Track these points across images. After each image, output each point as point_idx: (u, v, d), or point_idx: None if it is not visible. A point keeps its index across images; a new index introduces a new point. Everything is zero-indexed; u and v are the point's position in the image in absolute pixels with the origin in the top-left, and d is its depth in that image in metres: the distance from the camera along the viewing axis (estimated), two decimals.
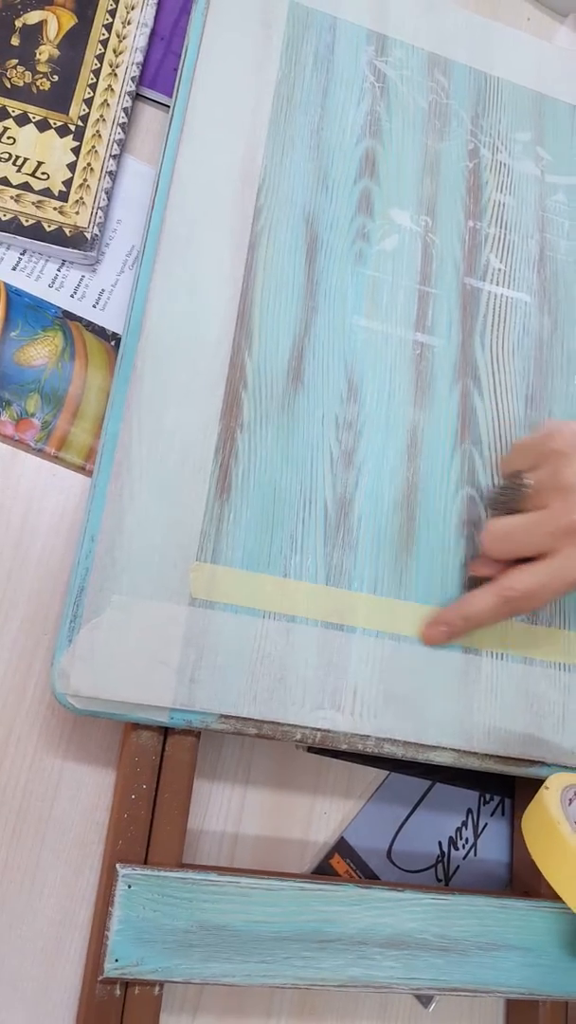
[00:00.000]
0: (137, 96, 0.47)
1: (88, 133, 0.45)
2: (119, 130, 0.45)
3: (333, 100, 0.45)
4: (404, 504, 0.40)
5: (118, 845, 0.34)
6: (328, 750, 0.39)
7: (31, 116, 0.44)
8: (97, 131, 0.45)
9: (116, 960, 0.32)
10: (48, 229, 0.42)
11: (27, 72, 0.45)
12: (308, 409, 0.40)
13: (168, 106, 0.46)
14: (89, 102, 0.45)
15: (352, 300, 0.42)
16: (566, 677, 0.40)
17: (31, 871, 0.35)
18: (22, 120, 0.44)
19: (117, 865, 0.33)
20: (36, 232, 0.42)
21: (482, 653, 0.39)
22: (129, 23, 0.47)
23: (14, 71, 0.45)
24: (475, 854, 0.41)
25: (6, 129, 0.43)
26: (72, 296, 0.43)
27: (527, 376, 0.44)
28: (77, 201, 0.43)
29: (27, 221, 0.42)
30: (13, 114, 0.44)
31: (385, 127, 0.46)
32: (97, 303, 0.43)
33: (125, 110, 0.45)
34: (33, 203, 0.43)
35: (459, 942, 0.36)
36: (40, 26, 0.46)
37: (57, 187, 0.43)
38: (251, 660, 0.36)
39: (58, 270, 0.43)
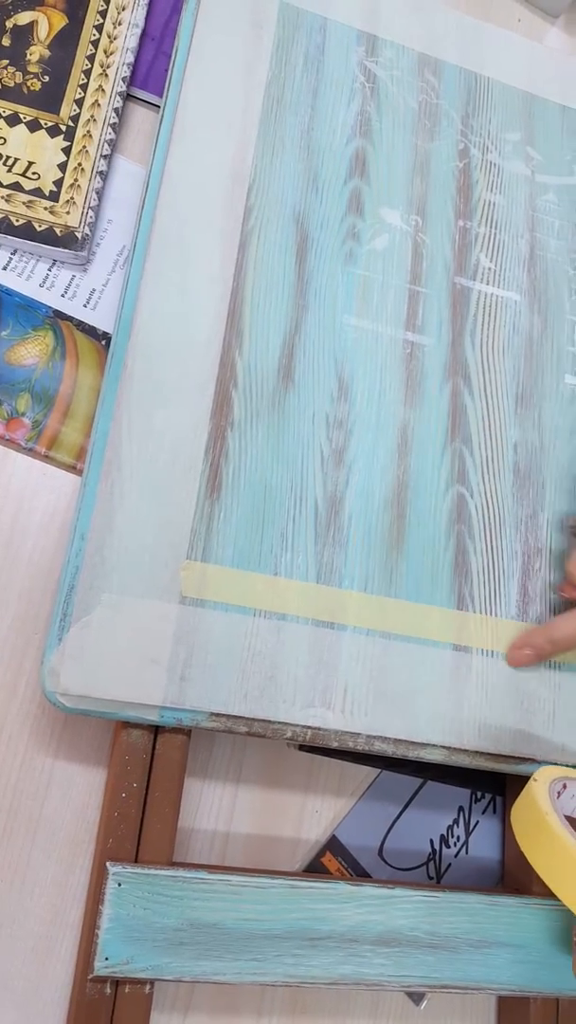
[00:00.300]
0: (128, 96, 0.47)
1: (79, 133, 0.45)
2: (110, 130, 0.45)
3: (323, 100, 0.46)
4: (394, 502, 0.40)
5: (108, 843, 0.34)
6: (319, 748, 0.39)
7: (22, 116, 0.44)
8: (88, 131, 0.45)
9: (106, 958, 0.32)
10: (39, 229, 0.42)
11: (18, 72, 0.45)
12: (299, 408, 0.40)
13: (159, 106, 0.46)
14: (80, 102, 0.45)
15: (342, 299, 0.42)
16: (556, 675, 0.40)
17: (22, 870, 0.35)
18: (13, 120, 0.44)
19: (107, 863, 0.33)
20: (27, 232, 0.42)
21: (472, 651, 0.39)
22: (120, 24, 0.47)
23: (5, 71, 0.45)
24: (466, 852, 0.41)
25: None
26: (63, 296, 0.43)
27: (517, 375, 0.44)
28: (68, 201, 0.43)
29: (18, 221, 0.42)
30: (4, 114, 0.44)
31: (375, 127, 0.46)
32: (88, 303, 0.43)
33: (116, 110, 0.46)
34: (24, 203, 0.43)
35: (450, 939, 0.36)
36: (31, 27, 0.46)
37: (48, 187, 0.43)
38: (242, 658, 0.36)
39: (49, 270, 0.43)
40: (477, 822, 0.42)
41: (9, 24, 0.46)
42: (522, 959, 0.37)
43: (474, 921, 0.36)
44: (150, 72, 0.48)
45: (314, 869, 0.39)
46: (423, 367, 0.43)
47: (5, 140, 0.43)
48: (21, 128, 0.44)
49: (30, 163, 0.44)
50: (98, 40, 0.47)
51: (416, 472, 0.41)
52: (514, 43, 0.51)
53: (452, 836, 0.41)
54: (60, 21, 0.47)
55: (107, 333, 0.43)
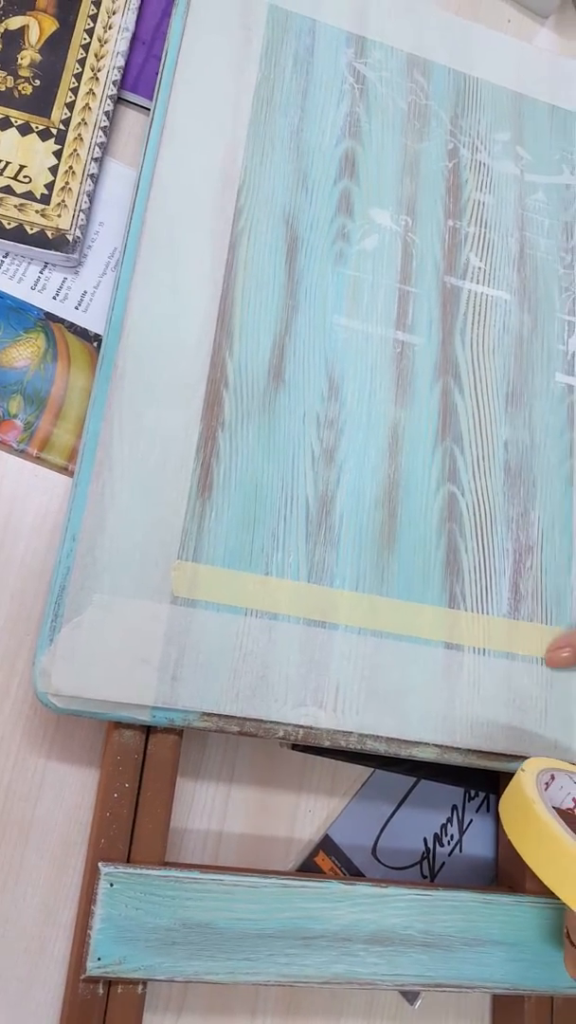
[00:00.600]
0: (119, 100, 0.47)
1: (70, 136, 0.45)
2: (101, 133, 0.45)
3: (313, 102, 0.46)
4: (385, 501, 0.40)
5: (100, 844, 0.34)
6: (312, 747, 0.39)
7: (13, 120, 0.44)
8: (79, 134, 0.45)
9: (98, 959, 0.32)
10: (30, 232, 0.43)
11: (9, 77, 0.45)
12: (289, 408, 0.40)
13: (149, 109, 0.46)
14: (71, 106, 0.45)
15: (332, 299, 0.43)
16: (548, 672, 0.40)
17: (15, 870, 0.35)
18: (4, 124, 0.44)
19: (99, 864, 0.33)
20: (18, 235, 0.42)
21: (464, 648, 0.39)
22: (110, 28, 0.47)
23: None
24: (460, 850, 0.41)
25: None
26: (54, 298, 0.43)
27: (507, 374, 0.44)
28: (59, 204, 0.44)
29: (9, 224, 0.42)
30: None
31: (365, 128, 0.46)
32: (79, 305, 0.43)
33: (107, 113, 0.46)
34: (15, 206, 0.43)
35: (444, 938, 0.36)
36: (22, 31, 0.46)
37: (39, 190, 0.43)
38: (233, 658, 0.36)
39: (40, 272, 0.43)
40: (471, 821, 0.42)
41: (0, 29, 0.46)
42: (516, 957, 0.37)
43: (468, 919, 0.36)
44: (140, 75, 0.48)
45: (307, 869, 0.39)
46: (413, 366, 0.43)
47: None
48: (12, 132, 0.44)
49: (21, 166, 0.44)
50: (89, 44, 0.47)
51: (407, 471, 0.41)
52: (503, 43, 0.52)
53: (446, 835, 0.41)
54: (51, 25, 0.47)
55: (99, 335, 0.43)
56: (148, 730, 0.36)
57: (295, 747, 0.40)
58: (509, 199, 0.48)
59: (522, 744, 0.38)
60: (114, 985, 0.33)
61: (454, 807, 0.42)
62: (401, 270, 0.44)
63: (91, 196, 0.44)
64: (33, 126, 0.45)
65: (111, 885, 0.33)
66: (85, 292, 0.44)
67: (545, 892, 0.38)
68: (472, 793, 0.42)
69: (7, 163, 0.44)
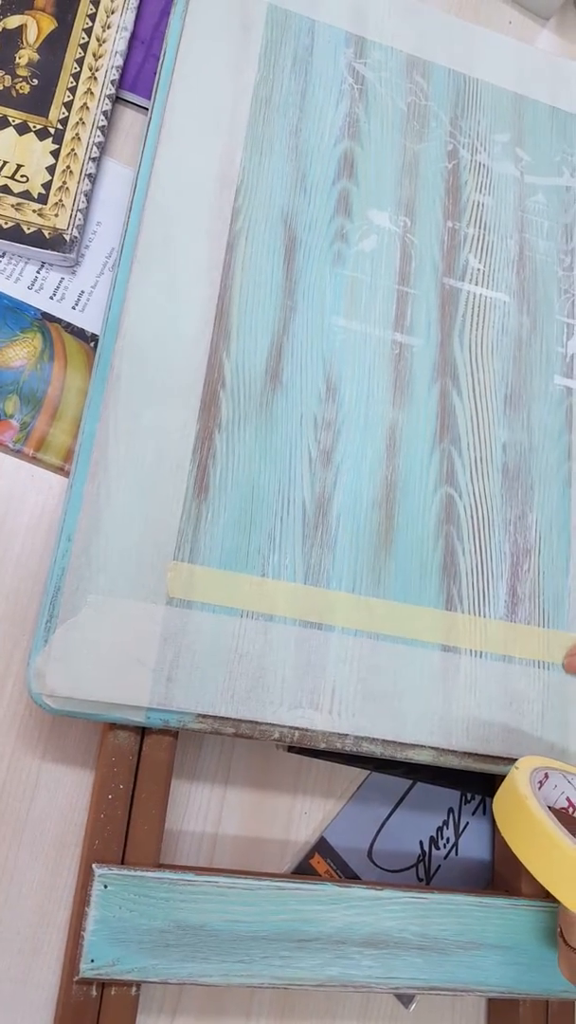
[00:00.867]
0: (117, 99, 0.47)
1: (68, 136, 0.45)
2: (98, 133, 0.45)
3: (311, 102, 0.46)
4: (382, 503, 0.40)
5: (95, 845, 0.34)
6: (308, 749, 0.39)
7: (11, 119, 0.44)
8: (76, 134, 0.45)
9: (92, 960, 0.32)
10: (27, 231, 0.43)
11: (7, 76, 0.45)
12: (286, 409, 0.40)
13: (148, 109, 0.46)
14: (69, 105, 0.45)
15: (331, 300, 0.42)
16: (545, 675, 0.40)
17: (9, 872, 0.35)
18: (1, 123, 0.44)
19: (93, 865, 0.33)
20: (15, 234, 0.42)
21: (461, 651, 0.39)
22: (109, 27, 0.47)
23: None
24: (456, 853, 0.41)
25: None
26: (51, 298, 0.43)
27: (506, 376, 0.44)
28: (56, 204, 0.43)
29: (6, 223, 0.42)
30: None
31: (363, 128, 0.46)
32: (76, 305, 0.43)
33: (105, 113, 0.46)
34: (12, 206, 0.43)
35: (439, 941, 0.36)
36: (20, 30, 0.46)
37: (37, 190, 0.43)
38: (229, 659, 0.36)
39: (37, 272, 0.43)
40: (467, 823, 0.42)
41: None
42: (512, 960, 0.36)
43: (463, 922, 0.36)
44: (139, 75, 0.48)
45: (303, 871, 0.39)
46: (411, 368, 0.43)
47: None
48: (10, 131, 0.44)
49: (19, 166, 0.44)
50: (87, 43, 0.47)
51: (404, 473, 0.41)
52: (503, 44, 0.52)
53: (442, 838, 0.41)
54: (49, 25, 0.47)
55: (96, 335, 0.43)
56: (143, 731, 0.36)
57: (291, 749, 0.40)
58: (509, 201, 0.48)
59: (519, 747, 0.38)
60: (108, 987, 0.33)
61: (450, 810, 0.42)
62: (400, 271, 0.44)
63: (88, 196, 0.44)
64: (31, 125, 0.44)
65: (105, 887, 0.33)
66: (82, 292, 0.44)
67: (541, 895, 0.38)
68: (468, 796, 0.42)
69: (4, 162, 0.43)
